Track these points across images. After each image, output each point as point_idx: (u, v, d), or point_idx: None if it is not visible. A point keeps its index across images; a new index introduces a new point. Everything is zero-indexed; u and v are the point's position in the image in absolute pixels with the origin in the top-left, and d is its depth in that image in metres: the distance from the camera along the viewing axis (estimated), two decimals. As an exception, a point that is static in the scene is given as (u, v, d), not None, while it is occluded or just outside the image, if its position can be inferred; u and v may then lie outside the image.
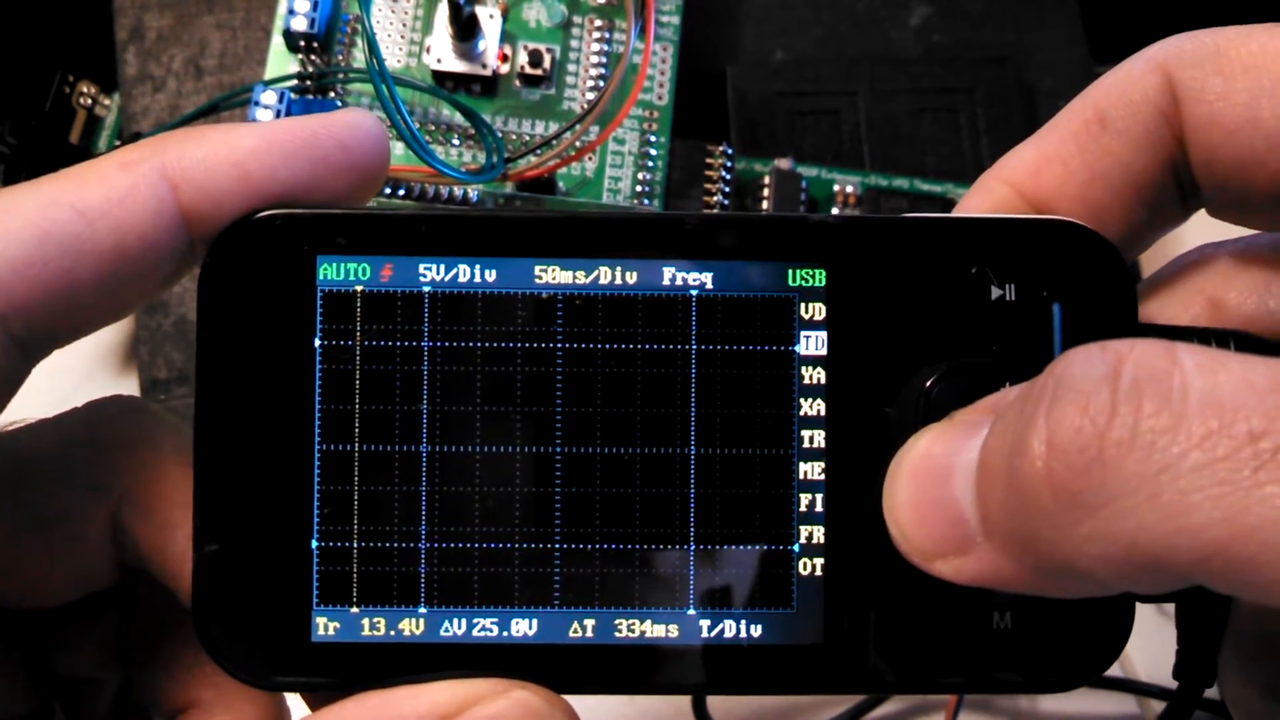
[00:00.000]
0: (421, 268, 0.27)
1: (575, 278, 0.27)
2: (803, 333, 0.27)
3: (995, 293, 0.27)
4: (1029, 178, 0.27)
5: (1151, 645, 0.47)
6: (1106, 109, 0.27)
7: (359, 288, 0.26)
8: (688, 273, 0.27)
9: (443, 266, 0.27)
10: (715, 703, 0.47)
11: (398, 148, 0.52)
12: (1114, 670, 0.50)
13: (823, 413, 0.27)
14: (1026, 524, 0.21)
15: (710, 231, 0.27)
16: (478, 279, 0.27)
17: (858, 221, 0.27)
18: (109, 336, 0.56)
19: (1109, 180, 0.27)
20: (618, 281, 0.27)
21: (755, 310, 0.27)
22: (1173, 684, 0.29)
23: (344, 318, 0.26)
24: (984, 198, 0.28)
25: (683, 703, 0.48)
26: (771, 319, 0.27)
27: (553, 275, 0.27)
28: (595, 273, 0.27)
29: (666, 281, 0.27)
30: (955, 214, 0.28)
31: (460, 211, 0.27)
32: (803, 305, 0.27)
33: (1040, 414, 0.20)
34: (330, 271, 0.26)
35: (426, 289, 0.27)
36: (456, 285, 0.27)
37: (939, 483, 0.23)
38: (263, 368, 0.26)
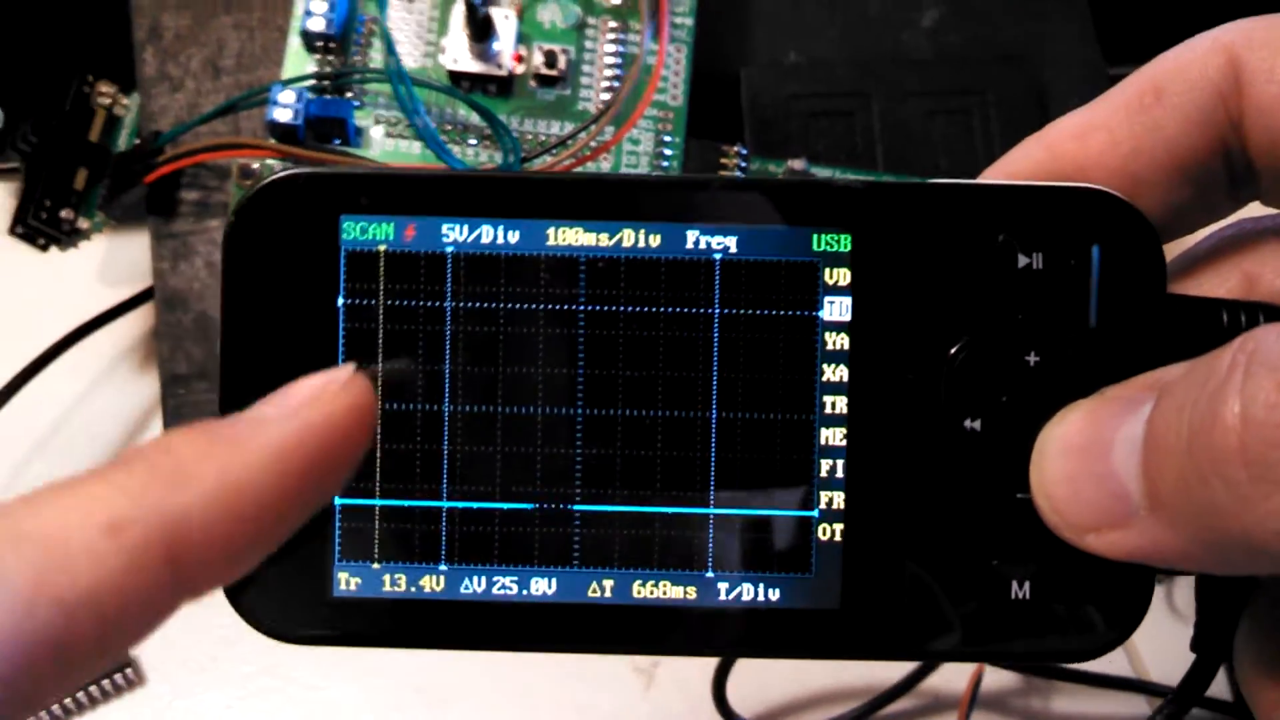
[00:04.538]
0: (445, 228, 0.27)
1: (598, 240, 0.27)
2: (826, 298, 0.27)
3: (1022, 261, 0.27)
4: (1072, 142, 0.27)
5: (1162, 646, 0.47)
6: (1163, 83, 0.26)
7: (382, 248, 0.27)
8: (711, 236, 0.27)
9: (466, 227, 0.27)
10: (731, 693, 0.47)
11: (415, 147, 0.52)
12: (1125, 670, 0.50)
13: (845, 379, 0.27)
14: (1208, 497, 0.21)
15: (735, 195, 0.27)
16: (500, 240, 0.27)
17: (883, 187, 0.27)
18: (129, 332, 0.56)
19: (1152, 155, 0.26)
20: (641, 244, 0.27)
21: (779, 275, 0.27)
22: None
23: (367, 277, 0.27)
24: (1021, 159, 0.27)
25: (695, 698, 0.48)
26: (795, 284, 0.27)
27: (575, 237, 0.27)
28: (619, 235, 0.27)
29: (690, 245, 0.27)
30: (983, 180, 0.28)
31: (484, 173, 0.27)
32: (827, 270, 0.27)
33: (1232, 388, 0.20)
34: (354, 231, 0.27)
35: (450, 249, 0.27)
36: (479, 246, 0.27)
37: (1097, 458, 0.23)
38: (287, 327, 0.26)
